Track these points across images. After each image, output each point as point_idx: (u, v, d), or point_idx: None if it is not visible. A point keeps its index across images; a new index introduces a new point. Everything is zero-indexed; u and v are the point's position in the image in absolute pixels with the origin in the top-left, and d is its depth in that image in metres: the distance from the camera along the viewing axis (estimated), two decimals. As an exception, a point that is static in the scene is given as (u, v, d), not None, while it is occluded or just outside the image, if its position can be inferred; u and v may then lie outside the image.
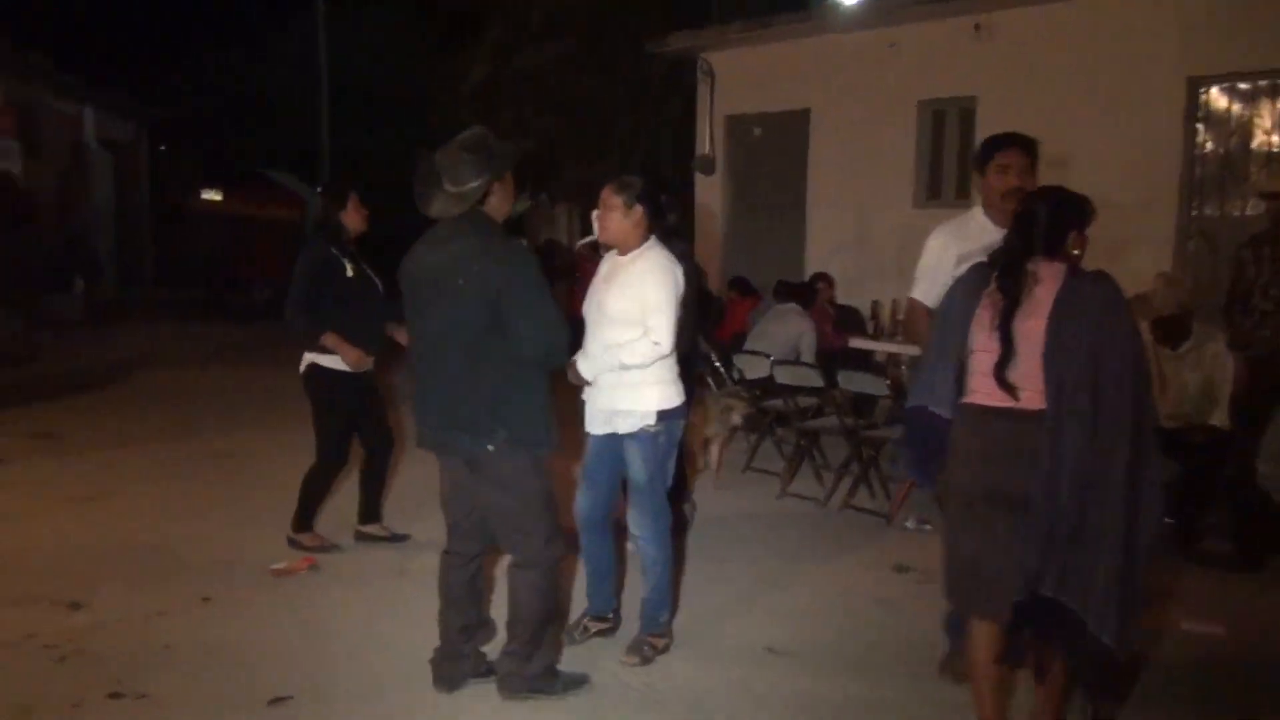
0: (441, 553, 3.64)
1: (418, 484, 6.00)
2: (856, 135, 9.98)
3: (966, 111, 9.29)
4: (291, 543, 5.14)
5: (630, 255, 3.84)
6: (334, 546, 5.18)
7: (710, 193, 11.63)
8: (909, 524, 5.82)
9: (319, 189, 5.13)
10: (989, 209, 3.83)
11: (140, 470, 6.85)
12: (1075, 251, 2.96)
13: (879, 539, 5.65)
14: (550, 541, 3.46)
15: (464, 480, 3.46)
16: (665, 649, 4.00)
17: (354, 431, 5.18)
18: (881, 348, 7.64)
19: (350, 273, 4.98)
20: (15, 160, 14.47)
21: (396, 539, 5.34)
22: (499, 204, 3.43)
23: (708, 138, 11.41)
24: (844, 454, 6.52)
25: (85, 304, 14.77)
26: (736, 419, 6.55)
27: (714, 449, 6.71)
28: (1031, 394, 2.89)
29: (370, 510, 5.37)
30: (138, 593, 4.57)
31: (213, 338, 14.39)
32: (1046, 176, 9.07)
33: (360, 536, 5.33)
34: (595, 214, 3.92)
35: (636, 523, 3.96)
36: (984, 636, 3.08)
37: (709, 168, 11.46)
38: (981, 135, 9.46)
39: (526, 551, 3.45)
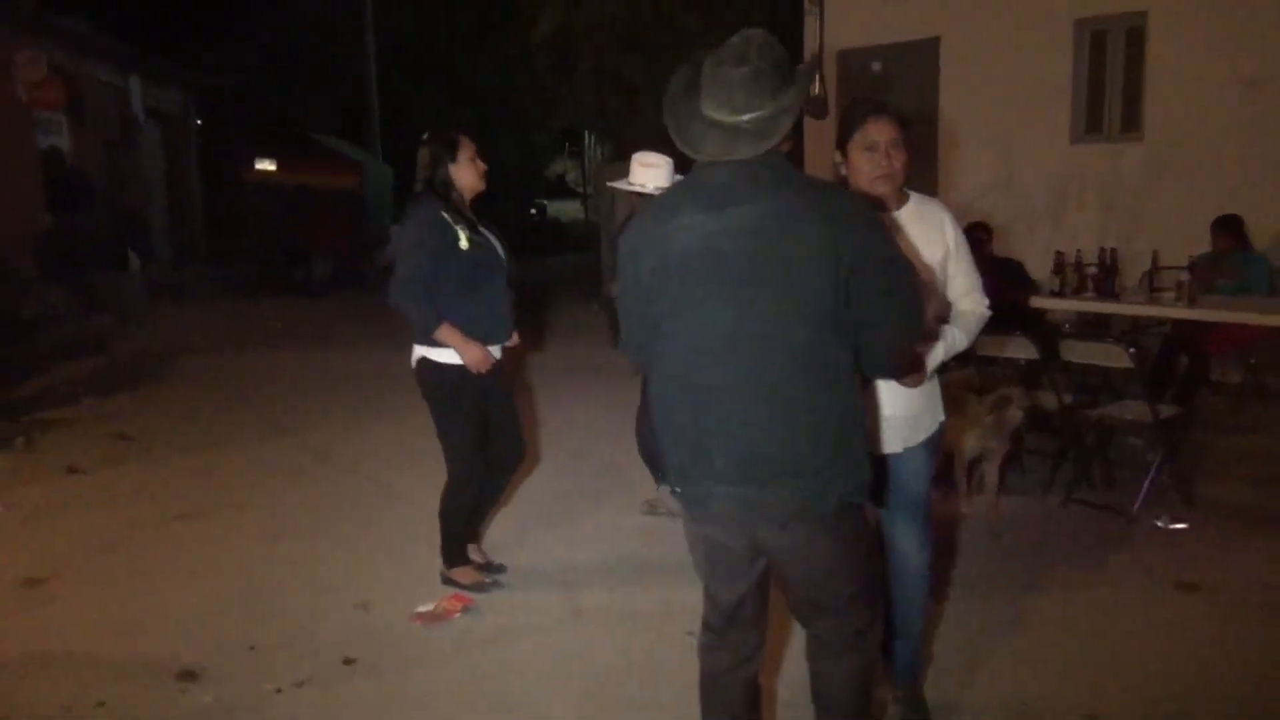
0: (702, 646, 2.53)
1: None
2: (999, 64, 8.80)
3: (1135, 31, 8.10)
4: (446, 581, 4.22)
5: (908, 206, 2.91)
6: (493, 584, 4.25)
7: (822, 139, 10.45)
8: (1160, 522, 4.82)
9: (423, 139, 4.03)
10: None
11: (234, 479, 5.98)
12: None
13: (1128, 544, 4.60)
14: (878, 613, 2.49)
15: (745, 549, 2.34)
16: None
17: (484, 439, 4.14)
18: (1086, 308, 6.53)
19: (465, 244, 3.89)
20: (63, 136, 13.71)
21: (492, 569, 4.35)
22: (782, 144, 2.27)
23: (818, 77, 10.27)
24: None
25: (143, 283, 14.02)
26: (1017, 414, 4.66)
27: (987, 470, 4.91)
28: None
29: (471, 532, 4.40)
30: (262, 652, 3.68)
31: (277, 317, 13.57)
32: (1237, 99, 7.81)
33: None
34: (838, 163, 2.91)
35: (918, 547, 3.00)
36: None
37: (820, 111, 10.25)
38: (1153, 58, 8.44)
39: (849, 630, 2.41)
